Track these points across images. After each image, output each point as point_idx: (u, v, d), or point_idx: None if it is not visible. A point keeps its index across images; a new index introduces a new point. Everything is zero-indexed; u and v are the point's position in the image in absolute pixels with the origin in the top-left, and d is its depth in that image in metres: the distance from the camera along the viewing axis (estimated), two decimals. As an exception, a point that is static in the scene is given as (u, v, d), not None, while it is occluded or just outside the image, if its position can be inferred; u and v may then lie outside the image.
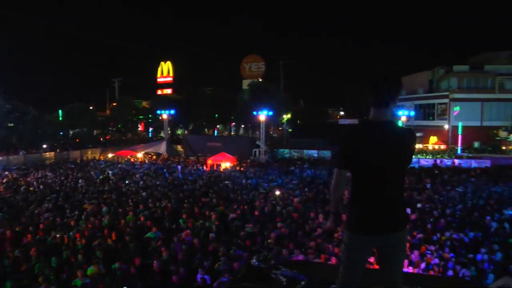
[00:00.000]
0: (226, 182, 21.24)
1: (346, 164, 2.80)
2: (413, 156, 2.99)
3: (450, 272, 8.96)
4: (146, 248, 10.55)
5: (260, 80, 54.72)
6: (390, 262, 2.91)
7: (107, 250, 10.28)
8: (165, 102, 44.71)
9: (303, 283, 3.46)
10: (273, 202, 15.79)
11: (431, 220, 13.26)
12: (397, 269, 2.93)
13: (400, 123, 37.20)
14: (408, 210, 14.29)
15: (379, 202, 2.77)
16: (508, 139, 41.84)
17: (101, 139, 51.40)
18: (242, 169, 27.85)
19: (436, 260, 9.60)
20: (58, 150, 38.50)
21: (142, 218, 13.19)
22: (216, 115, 50.41)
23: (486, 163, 32.36)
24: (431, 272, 8.93)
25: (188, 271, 8.43)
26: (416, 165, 31.90)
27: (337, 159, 2.87)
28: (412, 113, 44.00)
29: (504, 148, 42.20)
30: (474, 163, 32.67)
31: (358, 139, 2.77)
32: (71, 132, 50.31)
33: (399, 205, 2.86)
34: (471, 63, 47.72)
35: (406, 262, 9.22)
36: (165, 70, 59.67)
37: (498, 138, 42.75)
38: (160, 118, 43.20)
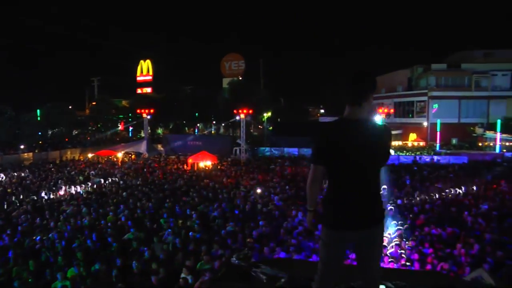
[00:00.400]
0: (207, 180, 21.20)
1: (321, 160, 2.83)
2: (390, 153, 3.02)
3: (429, 266, 9.11)
4: (127, 248, 10.45)
5: (240, 78, 54.68)
6: (367, 257, 2.95)
7: (87, 252, 10.14)
8: (145, 101, 44.28)
9: (283, 280, 3.48)
10: (254, 200, 15.81)
11: (411, 216, 13.46)
12: (374, 264, 2.96)
13: (380, 120, 37.73)
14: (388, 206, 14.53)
15: (354, 198, 2.80)
16: (484, 136, 42.79)
17: (81, 139, 50.65)
18: (223, 167, 27.81)
19: (416, 255, 9.76)
20: (36, 151, 37.80)
21: (122, 219, 13.05)
22: (197, 114, 50.17)
23: (464, 159, 33.01)
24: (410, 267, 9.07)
25: (169, 271, 8.38)
26: (396, 162, 32.35)
27: (312, 155, 2.89)
28: (391, 110, 44.69)
29: (480, 144, 43.15)
30: (452, 160, 33.28)
31: (332, 136, 2.80)
32: (49, 132, 49.44)
33: (374, 201, 2.89)
34: (448, 62, 48.65)
35: (386, 257, 9.36)
36: (145, 69, 59.10)
37: (474, 135, 43.69)
38: (140, 117, 42.80)
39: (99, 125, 53.02)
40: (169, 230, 11.47)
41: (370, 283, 2.97)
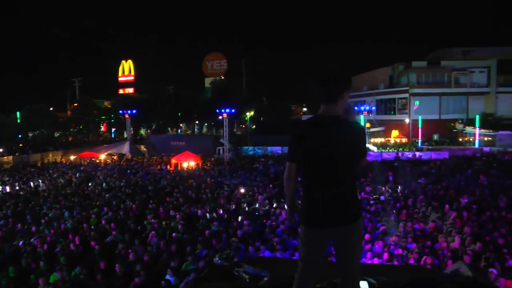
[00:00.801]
0: (191, 181, 21.13)
1: (296, 158, 2.86)
2: (365, 150, 3.06)
3: (412, 261, 9.24)
4: (111, 251, 10.34)
5: (223, 78, 54.60)
6: (346, 254, 2.97)
7: (70, 256, 10.00)
8: (127, 102, 43.88)
9: (265, 279, 3.49)
10: (238, 199, 15.81)
11: (394, 211, 13.63)
12: (353, 261, 2.99)
13: (362, 118, 38.14)
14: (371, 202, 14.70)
15: (329, 195, 2.83)
16: (464, 131, 43.56)
17: (63, 140, 49.93)
18: (206, 167, 27.74)
19: (399, 250, 9.88)
20: (17, 154, 37.11)
21: (104, 221, 12.91)
22: (179, 114, 49.93)
23: (445, 155, 33.54)
24: (395, 262, 9.20)
25: (153, 273, 8.33)
26: (379, 158, 32.70)
27: (288, 152, 2.92)
28: (373, 108, 45.15)
29: (460, 139, 43.94)
30: (434, 155, 33.78)
31: (306, 133, 2.84)
32: (30, 135, 48.63)
33: (350, 198, 2.91)
34: (428, 59, 49.39)
35: (369, 253, 9.48)
36: (126, 69, 58.58)
37: (455, 130, 44.45)
38: (122, 118, 42.40)
39: (81, 127, 52.35)
40: (153, 232, 11.39)
41: (350, 280, 2.99)
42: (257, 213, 13.54)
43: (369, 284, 3.57)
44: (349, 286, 3.00)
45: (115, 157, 35.08)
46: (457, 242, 10.16)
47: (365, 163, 3.03)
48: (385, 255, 9.49)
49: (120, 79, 58.71)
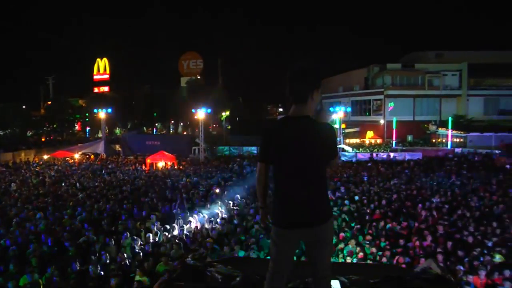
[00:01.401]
0: (167, 180, 20.97)
1: (266, 158, 2.87)
2: (335, 151, 3.06)
3: (385, 260, 9.41)
4: (84, 252, 10.16)
5: (198, 77, 54.35)
6: (317, 254, 2.99)
7: (43, 257, 9.78)
8: (102, 100, 43.20)
9: (238, 279, 3.51)
10: (213, 199, 15.77)
11: (368, 211, 13.83)
12: (323, 261, 3.01)
13: (337, 119, 38.60)
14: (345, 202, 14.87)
15: (298, 196, 2.83)
16: (437, 132, 44.57)
17: (36, 139, 48.77)
18: (181, 167, 27.58)
19: (373, 249, 10.05)
20: (-13, 153, 36.05)
21: (77, 222, 12.69)
22: (155, 113, 49.48)
23: (418, 155, 34.21)
24: (368, 261, 9.34)
25: (127, 274, 8.24)
26: (354, 159, 33.13)
27: (258, 153, 2.93)
28: (349, 109, 45.73)
29: (434, 141, 44.92)
30: (407, 156, 34.41)
31: (276, 134, 2.84)
32: (1, 133, 47.35)
33: (319, 199, 2.92)
34: (403, 62, 50.32)
35: (343, 252, 9.60)
36: (102, 67, 57.59)
37: (428, 132, 45.43)
38: (97, 117, 41.71)
39: (54, 126, 51.28)
40: (126, 233, 11.25)
41: (321, 279, 3.02)
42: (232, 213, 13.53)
43: (341, 283, 3.62)
44: (321, 285, 3.03)
45: (92, 157, 34.49)
46: (429, 240, 10.40)
47: (336, 163, 3.06)
48: (359, 255, 9.63)
49: (95, 77, 57.73)
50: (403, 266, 8.42)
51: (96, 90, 55.81)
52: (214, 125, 52.35)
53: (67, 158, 32.93)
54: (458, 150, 37.22)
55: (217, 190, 17.53)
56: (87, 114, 50.35)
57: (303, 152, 2.79)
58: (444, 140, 43.01)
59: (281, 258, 2.96)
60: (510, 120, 45.00)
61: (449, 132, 41.21)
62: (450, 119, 41.83)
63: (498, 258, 8.95)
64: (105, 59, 57.48)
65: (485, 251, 9.46)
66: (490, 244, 10.16)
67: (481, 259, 8.93)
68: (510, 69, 46.31)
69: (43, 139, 49.71)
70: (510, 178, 21.33)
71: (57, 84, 60.90)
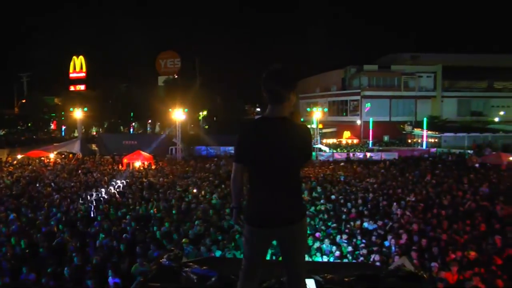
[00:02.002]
0: (144, 180, 20.78)
1: (241, 159, 2.87)
2: (310, 151, 3.10)
3: (362, 258, 9.54)
4: (59, 254, 9.96)
5: (176, 76, 54.01)
6: (290, 253, 3.03)
7: (15, 260, 9.54)
8: (79, 99, 42.50)
9: (213, 279, 3.51)
10: (190, 200, 15.70)
11: (345, 210, 13.99)
12: (297, 260, 3.04)
13: (314, 119, 38.93)
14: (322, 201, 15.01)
15: (271, 196, 2.86)
16: (413, 133, 45.43)
17: (9, 139, 47.51)
18: (158, 167, 27.38)
19: (349, 248, 10.17)
20: (-42, 152, 34.99)
21: (52, 223, 12.42)
22: (132, 113, 48.94)
23: (394, 155, 34.79)
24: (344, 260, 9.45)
25: (103, 275, 8.12)
26: (331, 159, 33.48)
27: (234, 153, 2.94)
28: (326, 109, 46.21)
29: (409, 141, 45.79)
30: (384, 156, 34.97)
31: (251, 134, 2.85)
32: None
33: (293, 199, 2.95)
34: (379, 63, 51.13)
35: (319, 251, 9.68)
36: (78, 65, 56.67)
37: (404, 132, 46.28)
38: (73, 116, 40.96)
39: (29, 124, 50.16)
40: (103, 233, 11.10)
41: (296, 278, 3.05)
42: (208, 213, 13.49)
43: (316, 281, 3.66)
44: (295, 284, 3.06)
45: (70, 156, 33.84)
46: (404, 239, 10.59)
47: (310, 163, 3.10)
48: (335, 254, 9.74)
49: (71, 75, 56.70)
50: (379, 264, 8.56)
51: (72, 88, 54.83)
52: (192, 125, 52.07)
53: (42, 158, 32.24)
54: (433, 150, 38.04)
55: (194, 190, 17.45)
56: (63, 113, 49.41)
57: (279, 152, 2.81)
58: (419, 140, 43.90)
59: (254, 256, 2.99)
60: (481, 121, 46.33)
61: (424, 133, 42.09)
62: (425, 119, 42.74)
63: (469, 254, 9.18)
64: (81, 57, 56.57)
65: (457, 248, 9.70)
66: (462, 241, 10.43)
67: (453, 256, 9.15)
68: (482, 72, 47.71)
69: (21, 138, 48.43)
70: (481, 177, 21.92)
71: (31, 82, 59.56)
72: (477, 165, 27.90)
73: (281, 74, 2.90)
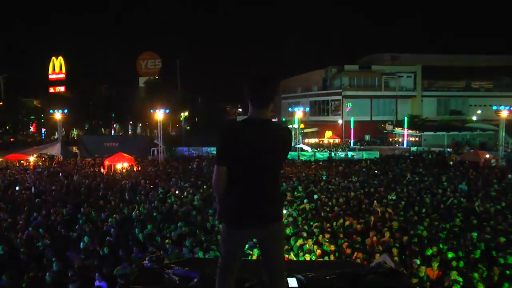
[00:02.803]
0: (124, 182, 20.58)
1: (223, 161, 2.89)
2: (288, 153, 3.13)
3: (344, 257, 9.63)
4: (40, 258, 9.80)
5: (157, 77, 53.69)
6: (269, 253, 3.06)
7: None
8: (58, 101, 41.85)
9: (195, 280, 3.52)
10: (172, 201, 15.63)
11: (327, 209, 14.10)
12: (277, 259, 3.08)
13: (296, 119, 39.08)
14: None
15: (250, 197, 2.89)
16: (394, 132, 46.02)
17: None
18: (140, 169, 27.16)
19: (332, 247, 10.24)
20: None
21: (32, 227, 12.22)
22: (113, 114, 48.44)
23: (375, 154, 35.19)
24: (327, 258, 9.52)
25: (85, 279, 8.04)
26: (312, 158, 33.66)
27: (216, 156, 2.94)
28: (307, 109, 46.48)
29: (390, 140, 46.36)
30: (365, 155, 35.33)
31: (234, 136, 2.86)
32: None
33: (271, 199, 2.98)
34: (360, 64, 51.67)
35: (302, 250, 9.75)
36: (57, 66, 55.70)
37: (385, 131, 46.85)
38: (53, 118, 40.31)
39: (7, 127, 49.13)
40: (85, 236, 10.98)
41: (277, 276, 3.09)
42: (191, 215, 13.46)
43: (298, 280, 3.70)
44: (276, 283, 3.10)
45: (55, 157, 33.28)
46: (386, 236, 10.73)
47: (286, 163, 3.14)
48: (317, 252, 9.81)
49: (50, 76, 55.75)
50: (361, 262, 8.65)
51: (51, 90, 53.94)
52: (176, 127, 51.81)
53: (22, 161, 31.63)
54: (413, 148, 38.60)
55: (177, 192, 17.38)
56: (42, 115, 48.56)
57: (263, 155, 2.84)
58: (400, 139, 44.50)
59: (231, 255, 3.02)
60: (460, 119, 47.27)
61: (405, 132, 42.69)
62: (405, 119, 43.36)
63: (448, 251, 9.37)
64: (60, 58, 55.65)
65: (437, 245, 9.89)
66: (441, 237, 10.64)
67: (432, 252, 9.33)
68: (460, 71, 48.71)
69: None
70: (459, 175, 22.37)
71: (9, 84, 58.29)
72: (451, 162, 28.62)
73: (269, 80, 2.91)
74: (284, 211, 13.45)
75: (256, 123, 2.88)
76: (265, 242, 3.04)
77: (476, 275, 7.98)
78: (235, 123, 2.99)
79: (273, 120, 3.02)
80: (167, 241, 10.10)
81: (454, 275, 7.72)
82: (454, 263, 8.50)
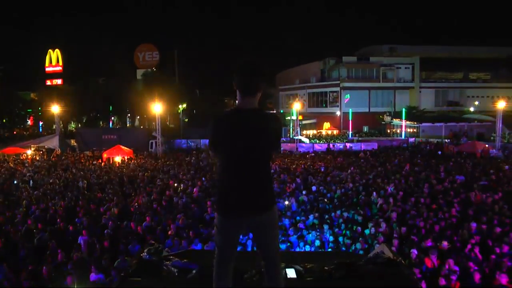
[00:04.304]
0: (122, 175, 20.58)
1: (215, 150, 2.92)
2: (280, 141, 3.19)
3: (343, 248, 9.69)
4: (39, 252, 9.81)
5: (155, 69, 53.47)
6: (263, 242, 3.10)
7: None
8: (56, 94, 41.68)
9: (194, 271, 3.54)
10: (171, 193, 15.64)
11: (326, 200, 14.13)
12: (271, 247, 3.10)
13: (294, 110, 39.02)
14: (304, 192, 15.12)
15: (241, 185, 2.92)
16: (392, 123, 46.05)
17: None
18: (139, 161, 27.16)
19: (331, 238, 10.30)
20: None
21: (31, 220, 12.21)
22: (111, 107, 48.28)
23: (374, 146, 35.22)
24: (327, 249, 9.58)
25: (84, 271, 8.05)
26: (311, 150, 33.68)
27: (208, 144, 3.01)
28: (305, 101, 46.45)
29: (388, 131, 46.40)
30: (363, 146, 35.35)
31: (223, 125, 2.90)
32: None
33: (262, 188, 3.00)
34: (358, 55, 51.52)
35: (302, 241, 9.79)
36: (54, 59, 55.47)
37: (383, 123, 46.86)
38: (50, 111, 40.16)
39: (4, 121, 48.96)
40: (84, 229, 10.98)
41: (272, 265, 3.11)
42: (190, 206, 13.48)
43: (296, 271, 3.72)
44: (272, 271, 3.12)
45: (55, 152, 33.22)
46: (383, 227, 10.78)
47: (278, 153, 3.15)
48: (317, 243, 9.86)
49: (47, 69, 55.48)
50: (359, 252, 8.70)
51: (48, 83, 53.70)
52: (168, 120, 51.69)
53: (19, 154, 31.57)
54: (411, 139, 38.65)
55: (175, 184, 17.39)
56: (39, 108, 48.38)
57: (251, 143, 2.86)
58: (398, 131, 44.55)
59: (226, 245, 3.05)
60: (458, 110, 47.32)
61: (403, 123, 42.72)
62: (403, 110, 43.35)
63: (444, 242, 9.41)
64: (57, 50, 55.40)
65: (436, 235, 9.93)
66: (439, 228, 10.68)
67: (431, 243, 9.37)
68: (458, 63, 48.69)
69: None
70: (457, 166, 22.42)
71: (5, 77, 57.98)
72: (439, 152, 28.80)
73: (256, 68, 2.94)
74: (286, 202, 13.52)
75: (243, 111, 2.91)
76: (257, 231, 3.08)
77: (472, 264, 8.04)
78: (223, 113, 3.01)
79: (261, 109, 3.02)
80: (169, 232, 10.10)
81: (451, 265, 7.77)
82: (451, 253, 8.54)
